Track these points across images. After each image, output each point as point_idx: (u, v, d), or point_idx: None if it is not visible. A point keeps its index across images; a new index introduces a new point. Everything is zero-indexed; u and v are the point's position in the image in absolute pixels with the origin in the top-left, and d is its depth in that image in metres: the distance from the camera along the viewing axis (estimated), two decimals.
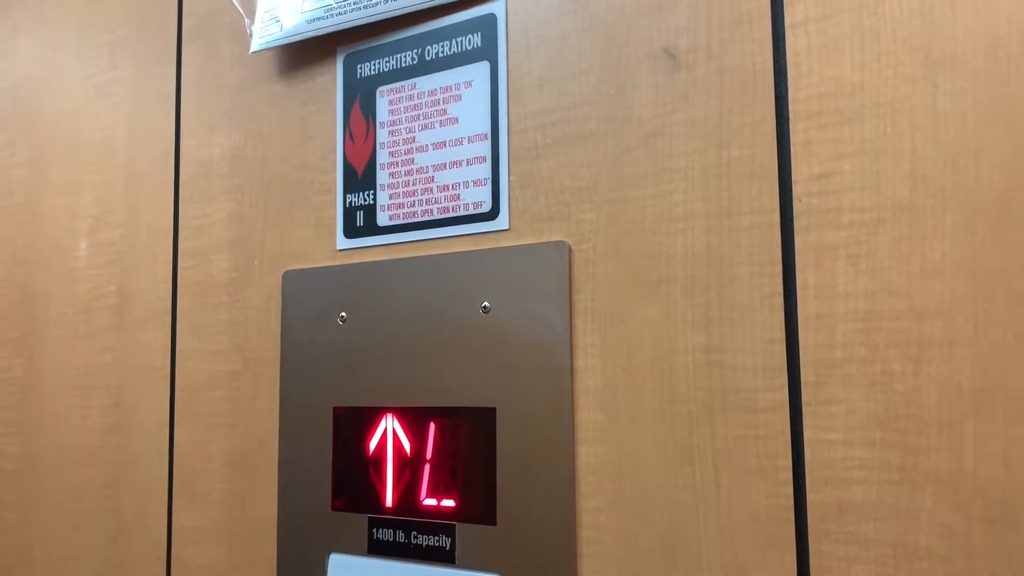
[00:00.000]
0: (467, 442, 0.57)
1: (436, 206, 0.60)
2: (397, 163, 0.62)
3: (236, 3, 0.70)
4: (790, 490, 0.47)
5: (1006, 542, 0.42)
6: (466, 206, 0.59)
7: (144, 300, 0.76)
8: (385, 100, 0.63)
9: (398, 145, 0.62)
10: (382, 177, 0.62)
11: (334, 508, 0.62)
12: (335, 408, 0.63)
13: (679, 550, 0.50)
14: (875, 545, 0.45)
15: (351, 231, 0.64)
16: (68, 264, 0.82)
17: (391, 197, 0.62)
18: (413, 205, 0.61)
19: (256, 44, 0.68)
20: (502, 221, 0.57)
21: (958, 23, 0.45)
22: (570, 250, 0.55)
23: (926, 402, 0.44)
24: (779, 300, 0.48)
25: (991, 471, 0.42)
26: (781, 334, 0.48)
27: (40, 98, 0.87)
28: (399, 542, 0.59)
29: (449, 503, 0.57)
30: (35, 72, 0.88)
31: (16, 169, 0.87)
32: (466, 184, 0.59)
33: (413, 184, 0.61)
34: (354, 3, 0.62)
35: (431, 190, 0.60)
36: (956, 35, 0.45)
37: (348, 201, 0.64)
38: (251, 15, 0.70)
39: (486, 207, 0.58)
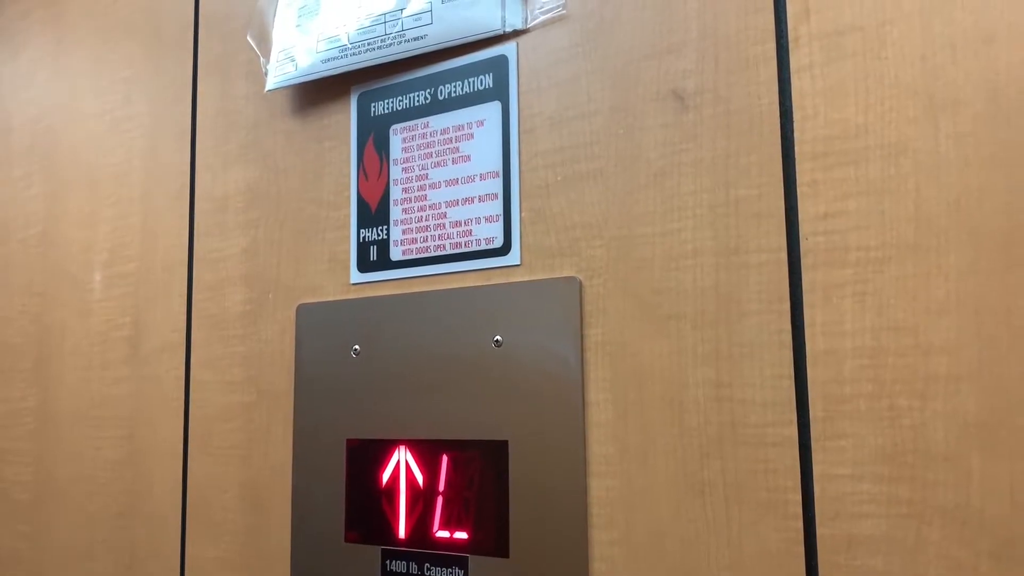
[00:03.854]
0: (480, 475, 0.58)
1: (448, 241, 0.61)
2: (410, 199, 0.63)
3: (252, 42, 0.72)
4: (800, 523, 0.48)
5: None
6: (478, 242, 0.60)
7: (159, 332, 0.77)
8: (398, 138, 0.64)
9: (411, 182, 0.63)
10: (395, 213, 0.64)
11: (347, 540, 0.63)
12: (348, 440, 0.64)
13: None
14: None
15: (364, 265, 0.65)
16: (83, 296, 0.83)
17: (404, 232, 0.63)
18: (426, 240, 0.62)
19: (271, 83, 0.69)
20: (514, 257, 0.59)
21: (959, 68, 0.46)
22: (581, 285, 0.56)
23: (933, 437, 0.45)
24: (787, 336, 0.49)
25: (998, 506, 0.43)
26: (790, 370, 0.49)
27: (57, 132, 0.88)
28: (412, 574, 0.59)
29: (462, 535, 0.58)
30: (52, 106, 0.89)
31: (33, 201, 0.89)
32: (478, 220, 0.60)
33: (426, 220, 0.62)
34: (368, 44, 0.64)
35: (444, 226, 0.61)
36: (957, 80, 0.46)
37: (362, 236, 0.65)
38: (266, 54, 0.71)
39: (498, 243, 0.59)
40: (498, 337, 0.58)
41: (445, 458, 0.59)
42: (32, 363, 0.86)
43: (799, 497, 0.48)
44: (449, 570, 0.58)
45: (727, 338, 0.51)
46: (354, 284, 0.66)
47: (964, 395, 0.44)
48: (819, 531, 0.47)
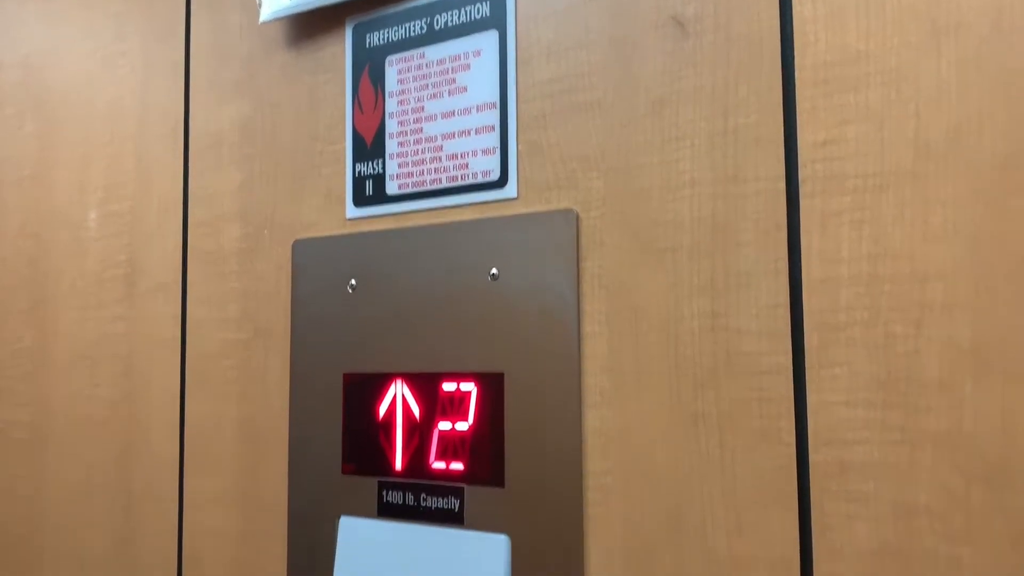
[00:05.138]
0: (476, 407, 0.58)
1: (445, 175, 0.61)
2: (406, 132, 0.62)
3: None
4: (793, 451, 0.48)
5: (1002, 500, 0.43)
6: (475, 175, 0.59)
7: (154, 271, 0.77)
8: (394, 69, 0.63)
9: (407, 114, 0.63)
10: (391, 146, 0.63)
11: (344, 472, 0.63)
12: (345, 375, 0.64)
13: (684, 510, 0.51)
14: (875, 503, 0.46)
15: (360, 200, 0.64)
16: (78, 236, 0.83)
17: (400, 166, 0.63)
18: (422, 174, 0.62)
19: (265, 14, 0.68)
20: (510, 190, 0.58)
21: None
22: (578, 218, 0.56)
23: (927, 364, 0.45)
24: (784, 265, 0.49)
25: (989, 431, 0.43)
26: (785, 299, 0.49)
27: (48, 70, 0.87)
28: (408, 504, 0.60)
29: (458, 466, 0.58)
30: (42, 45, 0.88)
31: (25, 142, 0.88)
32: (475, 153, 0.59)
33: (422, 153, 0.62)
34: None
35: (440, 159, 0.61)
36: (960, 4, 0.45)
37: (357, 170, 0.65)
38: None
39: (494, 176, 0.59)
40: (494, 271, 0.58)
41: (441, 391, 0.59)
42: (28, 304, 0.86)
43: (792, 425, 0.48)
44: (445, 500, 0.58)
45: (723, 268, 0.51)
46: (350, 219, 0.65)
47: (958, 322, 0.44)
48: (812, 458, 0.48)
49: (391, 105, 0.63)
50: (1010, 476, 0.43)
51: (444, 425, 0.59)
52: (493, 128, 0.59)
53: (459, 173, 0.60)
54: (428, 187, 0.61)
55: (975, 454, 0.44)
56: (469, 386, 0.58)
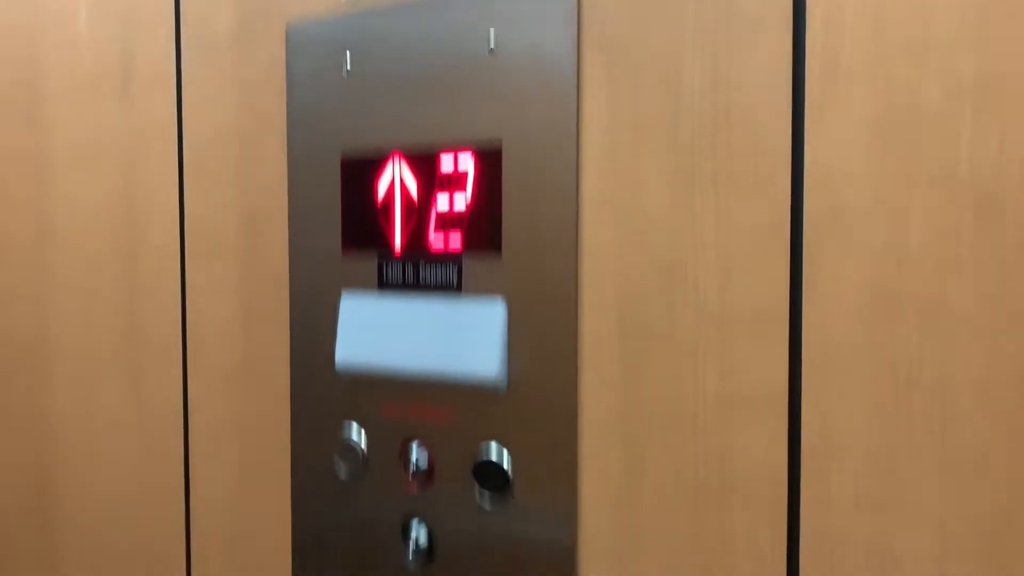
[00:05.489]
0: (474, 178, 0.58)
1: None
2: None
3: None
4: (787, 200, 0.48)
5: (993, 232, 0.44)
6: None
7: (148, 64, 0.76)
8: None
9: None
10: None
11: (344, 252, 0.64)
12: (343, 157, 0.64)
13: (676, 263, 0.52)
14: (868, 246, 0.46)
15: None
16: (69, 33, 0.81)
17: None
18: None
19: None
20: None
21: None
22: None
23: (926, 100, 0.45)
24: (788, 12, 0.48)
25: (985, 167, 0.44)
26: (788, 46, 0.48)
27: None
28: (408, 276, 0.61)
29: (456, 240, 0.59)
30: None
31: None
32: None
33: None
34: None
35: None
36: None
37: None
38: None
39: None
40: (492, 41, 0.57)
41: (439, 165, 0.59)
42: (23, 106, 0.85)
43: (788, 175, 0.48)
44: (443, 270, 0.59)
45: (727, 22, 0.50)
46: None
47: (959, 58, 0.44)
48: (807, 204, 0.48)
49: None
50: (1001, 210, 0.43)
51: (442, 198, 0.59)
52: None
53: None
54: None
55: (969, 188, 0.44)
56: (467, 157, 0.58)
